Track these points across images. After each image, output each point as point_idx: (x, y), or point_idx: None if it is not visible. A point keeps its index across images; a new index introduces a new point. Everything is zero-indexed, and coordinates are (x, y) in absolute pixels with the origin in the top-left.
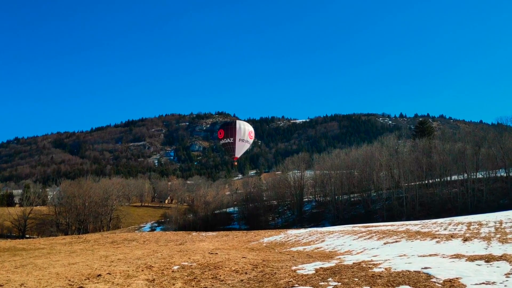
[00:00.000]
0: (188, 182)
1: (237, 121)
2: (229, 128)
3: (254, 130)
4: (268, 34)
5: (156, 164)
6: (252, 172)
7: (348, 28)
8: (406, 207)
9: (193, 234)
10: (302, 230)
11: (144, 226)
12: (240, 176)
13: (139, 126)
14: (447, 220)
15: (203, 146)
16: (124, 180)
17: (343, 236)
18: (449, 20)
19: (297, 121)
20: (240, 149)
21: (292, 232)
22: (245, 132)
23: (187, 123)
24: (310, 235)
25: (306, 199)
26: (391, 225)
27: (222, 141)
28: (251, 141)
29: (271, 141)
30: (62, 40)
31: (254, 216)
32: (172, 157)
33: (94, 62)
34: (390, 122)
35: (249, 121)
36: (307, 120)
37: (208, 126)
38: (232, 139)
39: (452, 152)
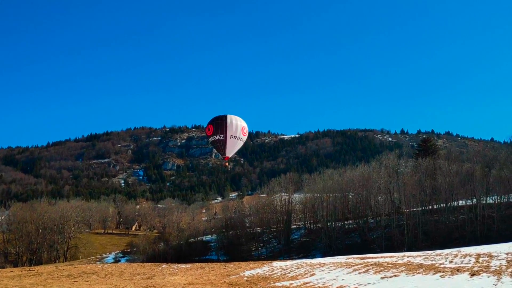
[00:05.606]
0: (159, 205)
1: (228, 116)
2: (219, 123)
3: None
4: (252, 39)
5: (123, 184)
6: (233, 195)
7: (343, 35)
8: (408, 236)
9: (164, 266)
10: (289, 262)
11: (107, 257)
12: (219, 199)
13: (104, 141)
14: (453, 251)
15: (177, 165)
16: (85, 203)
17: (335, 269)
18: (458, 28)
19: (285, 136)
20: (232, 147)
21: (278, 264)
22: (237, 128)
23: (159, 138)
24: (298, 268)
25: (295, 226)
26: (390, 257)
27: (212, 138)
28: (244, 138)
29: (255, 159)
30: (15, 46)
31: (235, 245)
32: (141, 177)
33: (50, 67)
34: (390, 139)
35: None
36: (297, 135)
37: (183, 141)
38: (222, 135)
39: (460, 174)
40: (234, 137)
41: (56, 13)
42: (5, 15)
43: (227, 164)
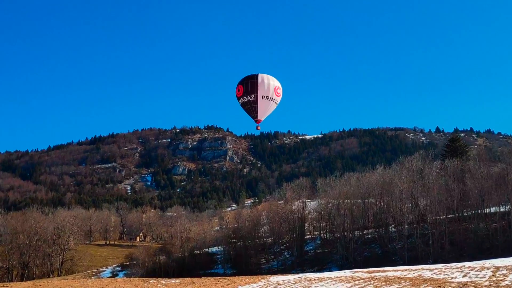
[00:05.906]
0: (168, 213)
1: (260, 74)
2: (250, 82)
3: (253, 148)
4: (267, 37)
5: (129, 191)
6: (249, 202)
7: (371, 21)
8: (433, 247)
9: (151, 281)
10: (290, 277)
11: (104, 271)
12: (234, 206)
13: (109, 144)
14: (478, 263)
15: (188, 169)
16: (85, 212)
17: (334, 284)
18: (497, 20)
19: (306, 137)
20: (265, 109)
21: (276, 279)
22: (270, 87)
23: (169, 140)
24: (295, 283)
25: (309, 236)
26: (403, 270)
27: (241, 100)
28: (278, 99)
29: (273, 162)
30: (15, 46)
31: (243, 257)
32: (149, 183)
33: (51, 67)
34: (423, 138)
35: (246, 136)
36: (319, 136)
37: (195, 143)
38: (253, 96)
39: (491, 177)
40: (267, 97)
41: (60, 13)
42: (6, 16)
43: (259, 128)
